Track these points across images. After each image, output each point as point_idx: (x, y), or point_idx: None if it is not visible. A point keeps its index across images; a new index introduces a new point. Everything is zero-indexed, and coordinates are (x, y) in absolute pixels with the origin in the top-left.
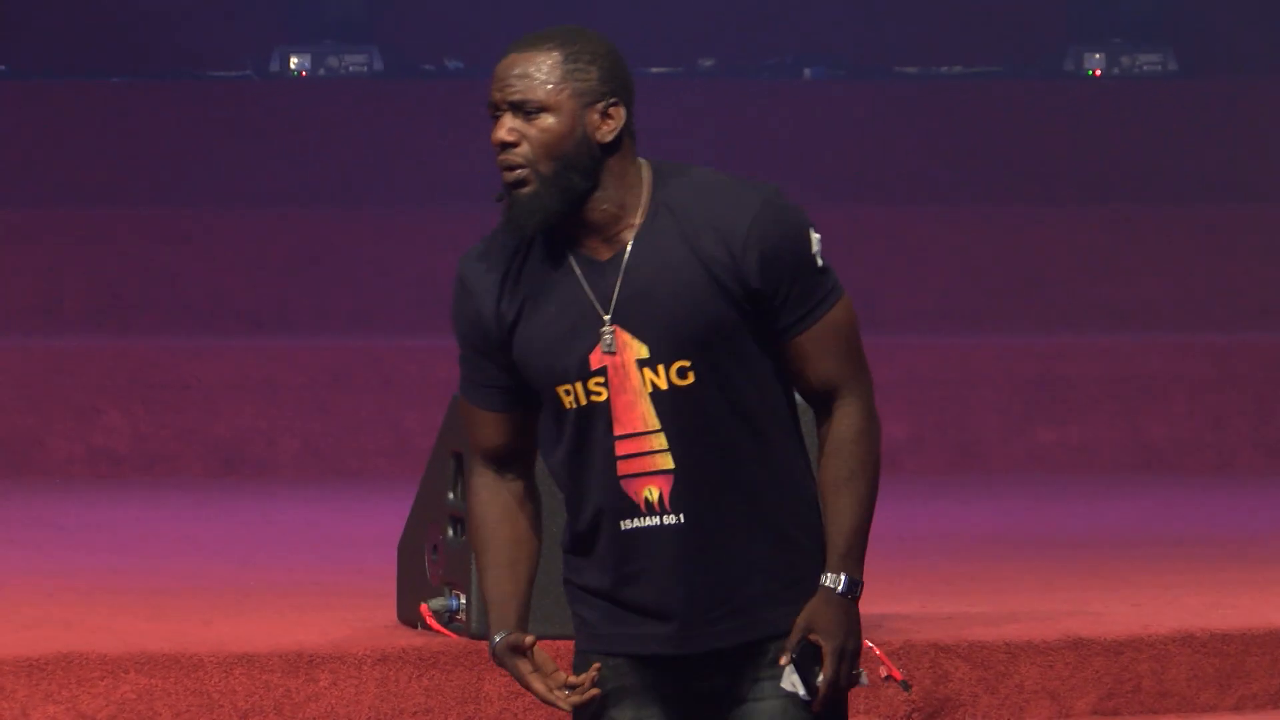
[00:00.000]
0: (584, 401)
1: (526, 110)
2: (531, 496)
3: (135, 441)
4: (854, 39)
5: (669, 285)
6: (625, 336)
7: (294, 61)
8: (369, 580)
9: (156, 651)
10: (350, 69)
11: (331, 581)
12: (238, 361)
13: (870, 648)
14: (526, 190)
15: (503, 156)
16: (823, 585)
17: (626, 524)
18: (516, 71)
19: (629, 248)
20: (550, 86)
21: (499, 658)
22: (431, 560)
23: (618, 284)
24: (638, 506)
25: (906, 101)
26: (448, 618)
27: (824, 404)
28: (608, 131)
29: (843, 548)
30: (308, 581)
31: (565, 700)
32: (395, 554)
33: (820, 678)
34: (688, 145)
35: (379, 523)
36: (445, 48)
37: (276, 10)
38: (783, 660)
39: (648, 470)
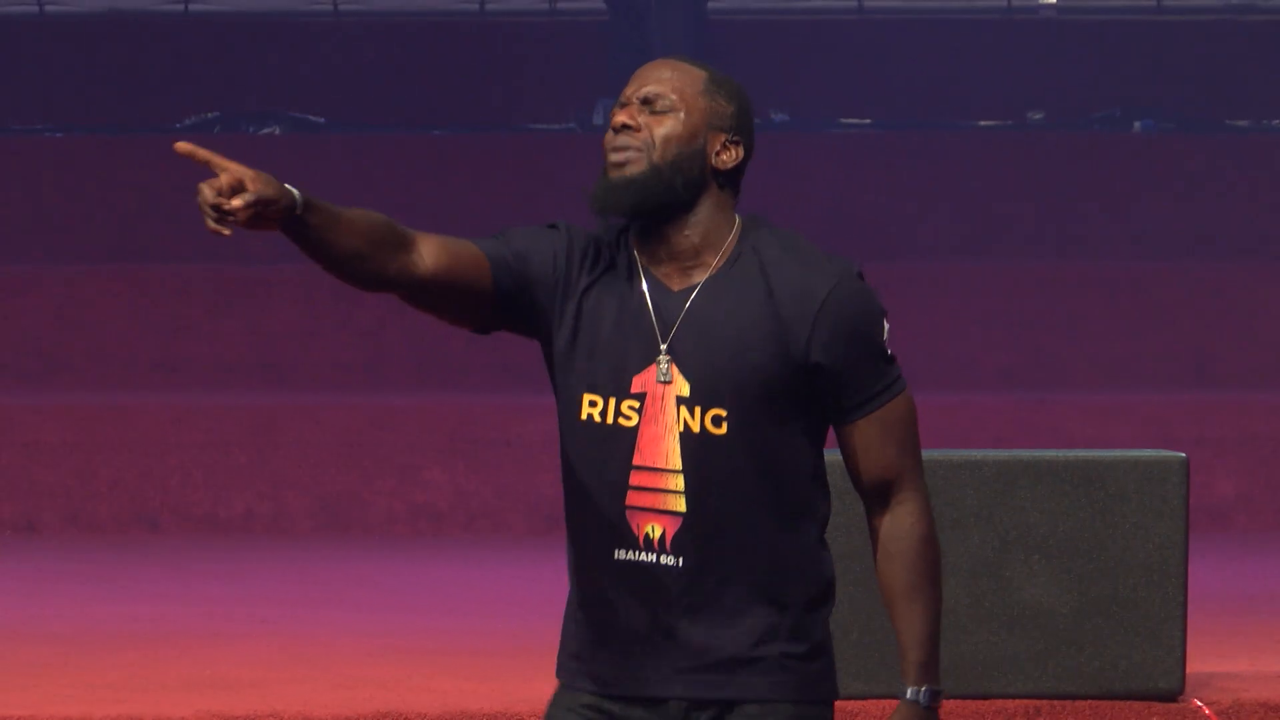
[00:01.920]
0: (609, 420)
1: (657, 107)
2: (395, 257)
3: (456, 498)
4: (1185, 92)
5: (727, 332)
6: (675, 370)
7: None
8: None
9: (477, 711)
10: None
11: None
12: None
13: (1199, 707)
14: (630, 170)
15: (619, 138)
16: (904, 699)
17: (621, 554)
18: (662, 73)
19: (701, 284)
20: (689, 92)
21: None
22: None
23: (680, 318)
24: (636, 540)
25: (1240, 153)
26: None
27: (880, 497)
28: (724, 162)
29: (922, 657)
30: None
31: (210, 212)
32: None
33: None
34: (1014, 196)
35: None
36: (770, 100)
37: (599, 63)
38: None
39: (657, 507)
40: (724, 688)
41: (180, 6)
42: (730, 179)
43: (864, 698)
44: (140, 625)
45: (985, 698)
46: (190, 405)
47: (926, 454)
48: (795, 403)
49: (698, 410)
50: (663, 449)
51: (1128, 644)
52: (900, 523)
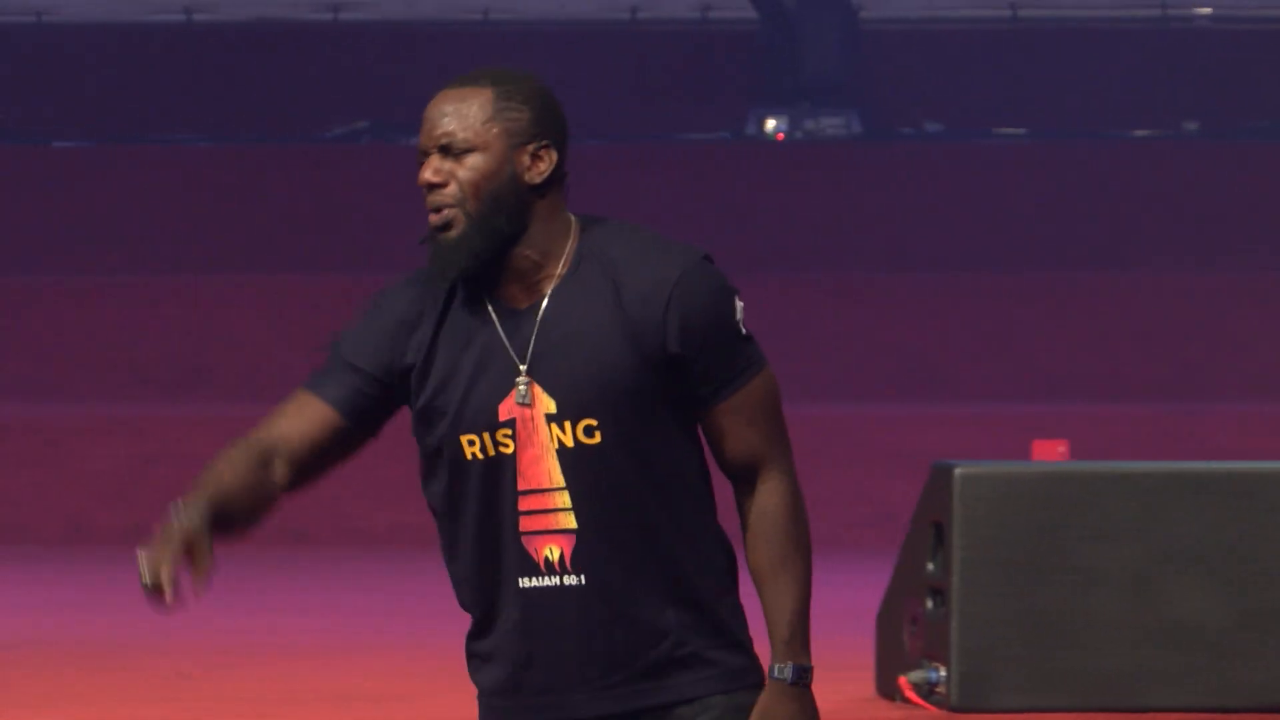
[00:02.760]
0: (491, 453)
1: (455, 151)
2: (272, 488)
3: None
4: None
5: (583, 341)
6: (537, 389)
7: (770, 124)
8: (845, 652)
9: None
10: (828, 131)
11: None
12: None
13: None
14: (453, 233)
15: (430, 198)
16: (772, 678)
17: (525, 582)
18: (447, 109)
19: (546, 298)
20: (480, 125)
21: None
22: (910, 632)
23: (533, 335)
24: (537, 565)
25: None
26: (927, 690)
27: (745, 479)
28: (537, 174)
29: (786, 634)
30: None
31: (149, 588)
32: (873, 626)
33: None
34: (1167, 206)
35: (855, 594)
36: (924, 110)
37: (754, 73)
38: None
39: (549, 528)
40: (655, 694)
41: (329, 16)
42: (550, 184)
43: (1016, 711)
44: (283, 637)
45: (1140, 711)
46: None
47: (1081, 466)
48: (664, 400)
49: (568, 424)
50: (543, 469)
51: None
52: (765, 501)
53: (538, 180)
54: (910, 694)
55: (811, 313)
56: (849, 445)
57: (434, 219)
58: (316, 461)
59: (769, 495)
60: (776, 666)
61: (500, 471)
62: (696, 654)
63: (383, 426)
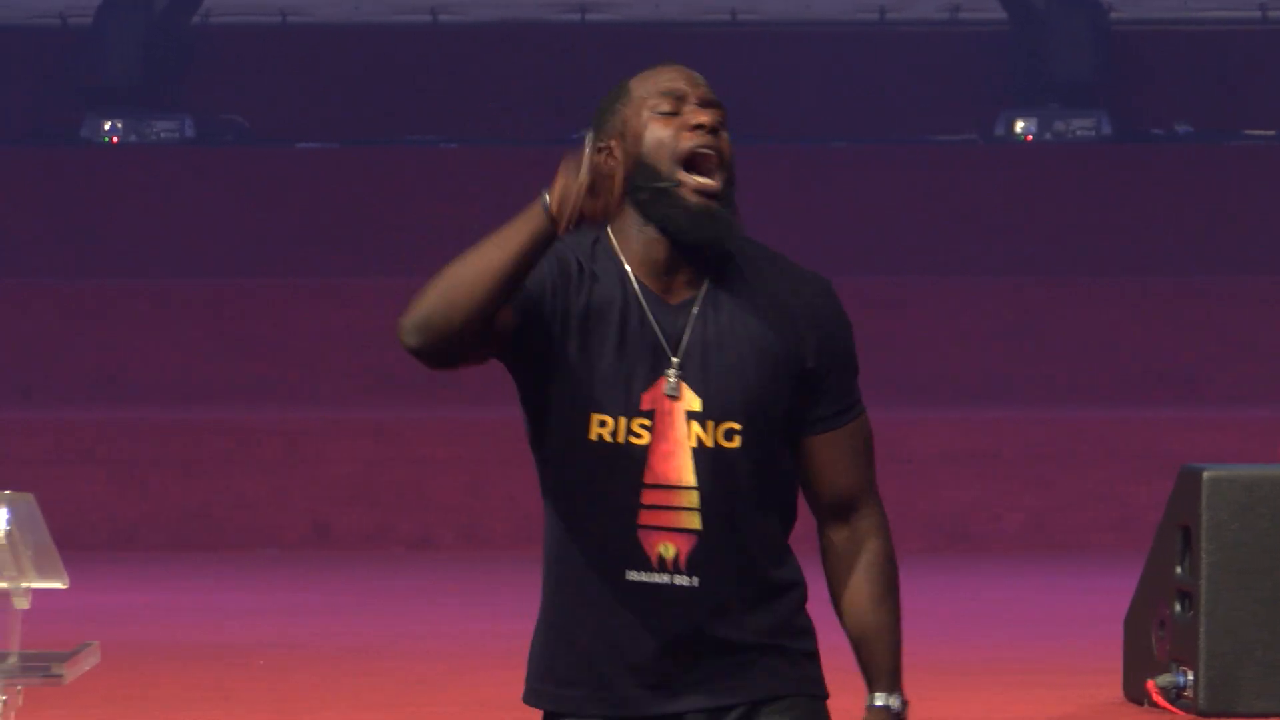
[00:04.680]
0: (620, 440)
1: (720, 117)
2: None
3: None
4: None
5: (734, 344)
6: (684, 385)
7: (1019, 126)
8: (1093, 657)
9: None
10: (1078, 133)
11: (1056, 658)
12: (956, 433)
13: None
14: (722, 205)
15: (709, 140)
16: (875, 706)
17: (633, 575)
18: (701, 79)
19: (701, 297)
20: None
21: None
22: (1159, 636)
23: (687, 330)
24: (649, 561)
25: None
26: (1175, 694)
27: (841, 513)
28: None
29: (892, 666)
30: (1031, 658)
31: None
32: (1121, 629)
33: None
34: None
35: (1102, 598)
36: (1174, 110)
37: (1003, 74)
38: None
39: (670, 526)
40: (743, 691)
41: (577, 16)
42: None
43: (1265, 716)
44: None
45: None
46: None
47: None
48: (792, 413)
49: (710, 425)
50: (675, 465)
51: None
52: (865, 537)
53: None
54: (1158, 698)
55: (1058, 315)
56: (1094, 448)
57: (714, 182)
58: (496, 338)
59: (870, 532)
60: (881, 695)
61: (626, 460)
62: (782, 655)
63: (499, 354)
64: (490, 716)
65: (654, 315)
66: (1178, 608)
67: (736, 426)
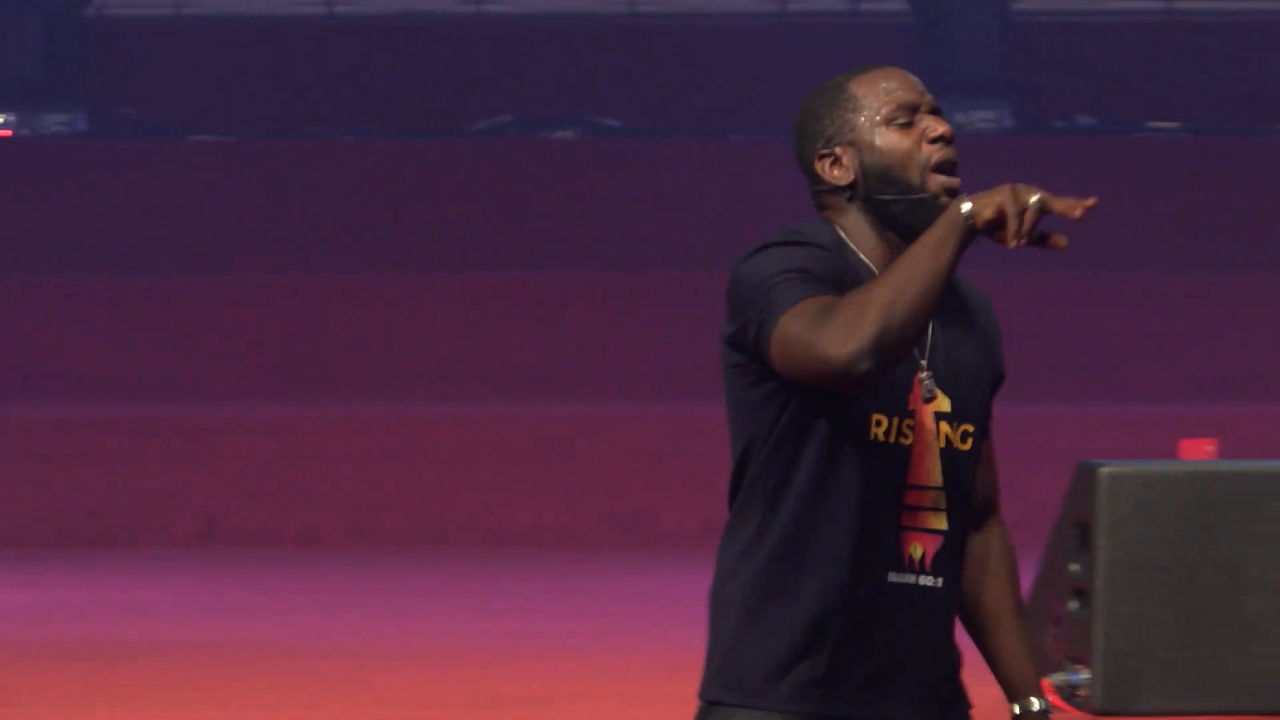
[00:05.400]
0: (893, 440)
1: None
2: None
3: None
4: None
5: (966, 347)
6: (934, 387)
7: None
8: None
9: None
10: (979, 125)
11: None
12: None
13: None
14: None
15: (951, 151)
16: (1032, 711)
17: (894, 576)
18: (919, 81)
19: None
20: None
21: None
22: (1054, 634)
23: (930, 333)
24: (903, 561)
25: None
26: (1069, 693)
27: (981, 515)
28: None
29: (1034, 675)
30: None
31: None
32: None
33: None
34: None
35: None
36: (1076, 103)
37: (905, 66)
38: None
39: (921, 526)
40: (949, 710)
41: (472, 7)
42: None
43: (1165, 714)
44: (426, 641)
45: None
46: (479, 416)
47: (1230, 465)
48: None
49: (956, 425)
50: (927, 466)
51: None
52: (1002, 543)
53: None
54: (1053, 697)
55: None
56: (996, 443)
57: (958, 181)
58: None
59: (1004, 539)
60: (1035, 700)
61: (896, 460)
62: (959, 681)
63: None
64: (395, 714)
65: None
66: (1073, 605)
67: (970, 428)
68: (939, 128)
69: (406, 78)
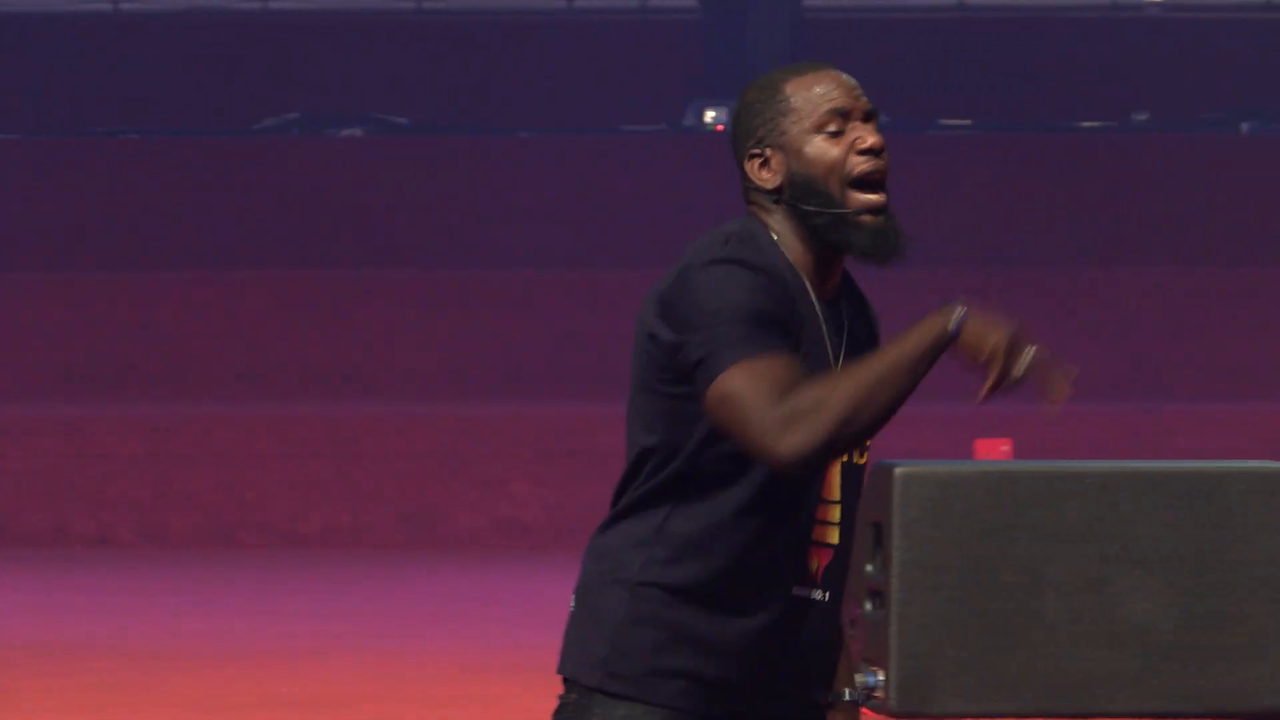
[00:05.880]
0: None
1: (878, 125)
2: None
3: (544, 511)
4: None
5: (868, 347)
6: None
7: (709, 115)
8: None
9: None
10: None
11: None
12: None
13: None
14: (891, 216)
15: (879, 163)
16: (842, 699)
17: (799, 590)
18: (856, 84)
19: (842, 304)
20: None
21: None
22: (850, 635)
23: (843, 339)
24: (807, 574)
25: None
26: (865, 695)
27: None
28: None
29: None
30: None
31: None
32: None
33: None
34: (1119, 201)
35: None
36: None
37: (691, 63)
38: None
39: (821, 540)
40: (813, 712)
41: (260, 4)
42: None
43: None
44: (214, 641)
45: (1086, 716)
46: (270, 416)
47: (1025, 464)
48: None
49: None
50: (832, 480)
51: (1236, 662)
52: None
53: None
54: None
55: None
56: None
57: (880, 198)
58: None
59: None
60: (847, 691)
61: (817, 475)
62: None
63: None
64: (183, 717)
65: (825, 324)
66: (868, 606)
67: (869, 441)
68: (869, 139)
69: (194, 75)
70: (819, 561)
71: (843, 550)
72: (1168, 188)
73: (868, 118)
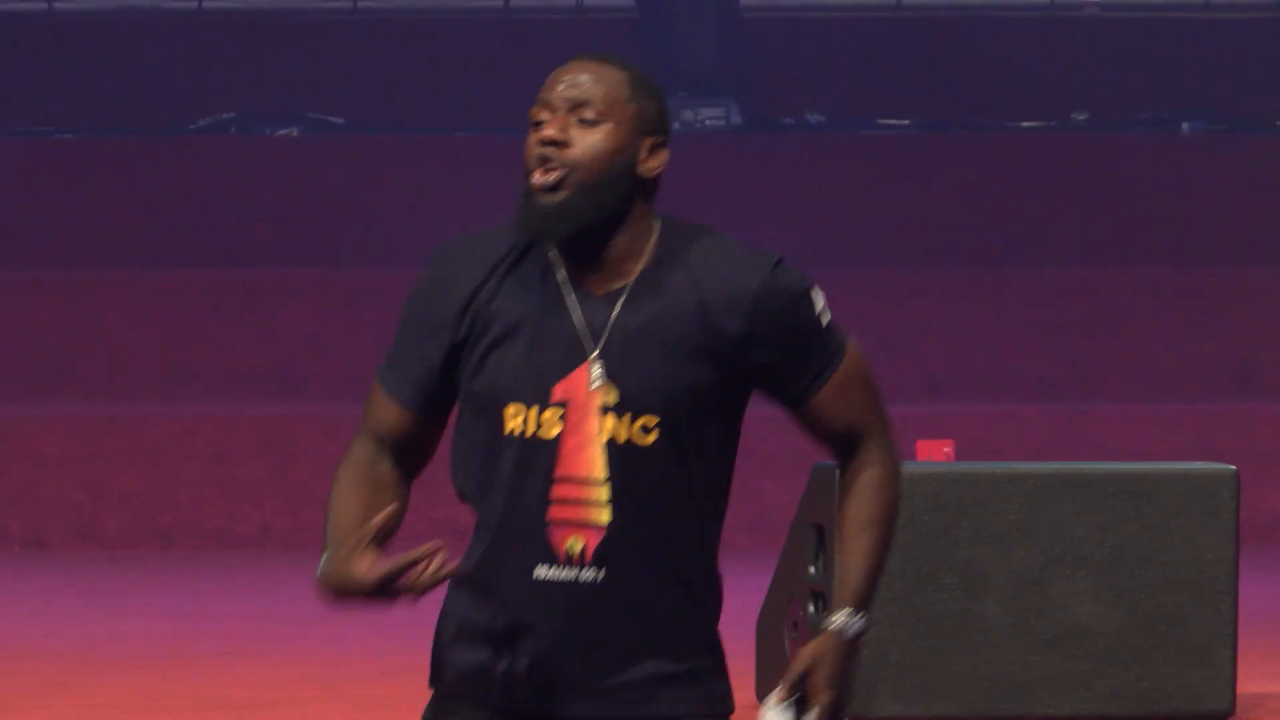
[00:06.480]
0: (530, 431)
1: (586, 117)
2: (402, 487)
3: None
4: (1235, 93)
5: (659, 337)
6: (603, 378)
7: None
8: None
9: None
10: (707, 122)
11: None
12: None
13: None
14: (560, 195)
15: (545, 152)
16: (831, 628)
17: (541, 571)
18: (585, 76)
19: (628, 290)
20: (620, 100)
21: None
22: (791, 638)
23: (610, 322)
24: (556, 556)
25: None
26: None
27: (845, 449)
28: (649, 168)
29: (858, 588)
30: None
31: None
32: (753, 631)
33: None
34: (1055, 200)
35: (732, 598)
36: (805, 101)
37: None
38: (778, 698)
39: (579, 520)
40: (643, 706)
41: (193, 4)
42: (655, 182)
43: (901, 719)
44: (150, 643)
45: (1028, 717)
46: (202, 416)
47: (967, 466)
48: (724, 410)
49: (626, 418)
50: (586, 458)
51: (1176, 663)
52: (864, 467)
53: (648, 175)
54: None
55: None
56: None
57: (540, 177)
58: (421, 453)
59: (868, 463)
60: (841, 615)
61: (537, 453)
62: (691, 672)
63: (443, 420)
64: (112, 718)
65: (576, 307)
66: (811, 609)
67: (653, 421)
68: (545, 129)
69: (127, 74)
70: (585, 542)
71: (624, 531)
72: (1098, 187)
73: (574, 108)
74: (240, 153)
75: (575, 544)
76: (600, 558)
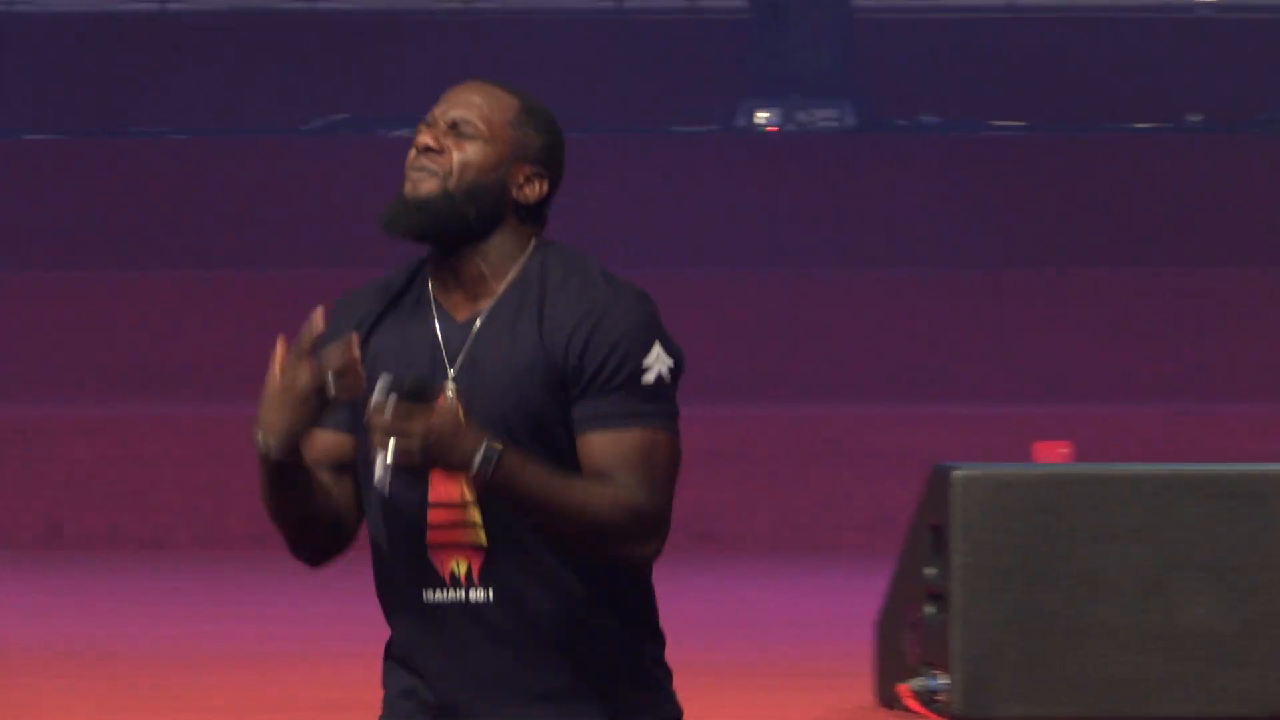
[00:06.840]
0: None
1: (462, 132)
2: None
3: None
4: None
5: (502, 364)
6: (456, 402)
7: (760, 116)
8: (845, 660)
9: None
10: (820, 124)
11: (805, 661)
12: (702, 431)
13: None
14: (422, 190)
15: (419, 160)
16: (485, 440)
17: (430, 595)
18: (473, 97)
19: (483, 315)
20: (497, 123)
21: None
22: (910, 638)
23: (465, 347)
24: (443, 579)
25: None
26: (928, 698)
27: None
28: (524, 195)
29: (535, 467)
30: (780, 661)
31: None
32: (872, 632)
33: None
34: (1172, 201)
35: (852, 599)
36: (918, 101)
37: (741, 63)
38: (391, 381)
39: (458, 542)
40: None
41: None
42: (533, 212)
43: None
44: (262, 644)
45: (1144, 718)
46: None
47: (1085, 468)
48: (567, 423)
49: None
50: (453, 482)
51: None
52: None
53: (524, 201)
54: (911, 702)
55: (806, 310)
56: (845, 446)
57: (409, 182)
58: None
59: (607, 485)
60: (497, 448)
61: (411, 478)
62: (597, 688)
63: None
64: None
65: (441, 331)
66: (929, 609)
67: (498, 446)
68: (420, 138)
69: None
70: (468, 563)
71: (502, 550)
72: (1218, 188)
73: (454, 125)
74: (354, 153)
75: (459, 566)
76: (486, 577)
